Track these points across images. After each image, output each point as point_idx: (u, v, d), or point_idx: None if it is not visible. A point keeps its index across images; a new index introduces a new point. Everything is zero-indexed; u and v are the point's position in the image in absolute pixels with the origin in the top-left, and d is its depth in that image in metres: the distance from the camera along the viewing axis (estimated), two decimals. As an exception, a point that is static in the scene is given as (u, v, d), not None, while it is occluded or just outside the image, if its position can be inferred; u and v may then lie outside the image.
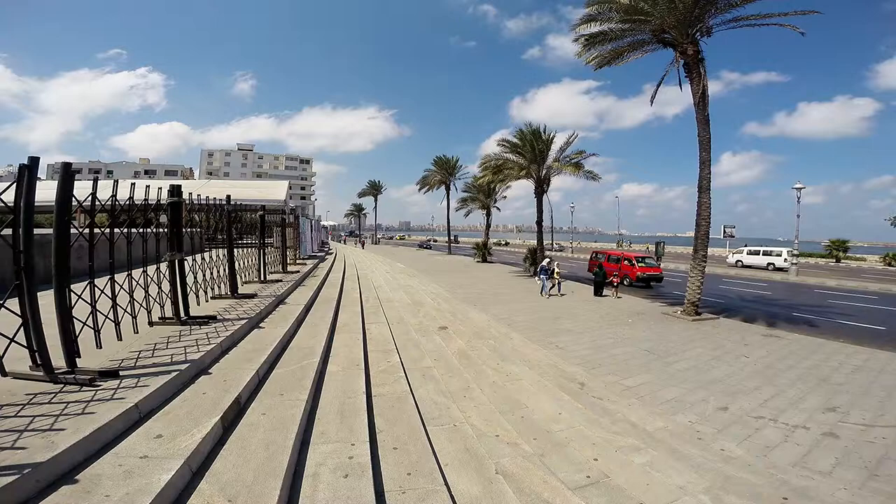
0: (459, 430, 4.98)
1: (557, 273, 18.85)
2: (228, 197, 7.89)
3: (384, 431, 4.35)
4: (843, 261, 47.33)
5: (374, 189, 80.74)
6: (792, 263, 31.19)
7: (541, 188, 25.98)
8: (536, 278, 18.91)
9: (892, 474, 4.99)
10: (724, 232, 62.34)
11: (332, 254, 29.26)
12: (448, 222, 51.81)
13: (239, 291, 7.87)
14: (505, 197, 40.90)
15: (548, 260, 19.33)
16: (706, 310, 15.80)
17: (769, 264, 35.22)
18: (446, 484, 3.60)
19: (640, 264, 24.25)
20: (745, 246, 41.58)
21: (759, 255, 37.28)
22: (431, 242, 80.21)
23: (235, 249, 8.11)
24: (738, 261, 39.23)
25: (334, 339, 7.32)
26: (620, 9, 14.87)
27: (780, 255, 35.36)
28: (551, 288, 18.59)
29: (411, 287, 18.42)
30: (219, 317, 5.98)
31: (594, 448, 5.17)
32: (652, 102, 16.49)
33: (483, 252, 38.93)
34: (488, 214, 41.77)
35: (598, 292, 19.09)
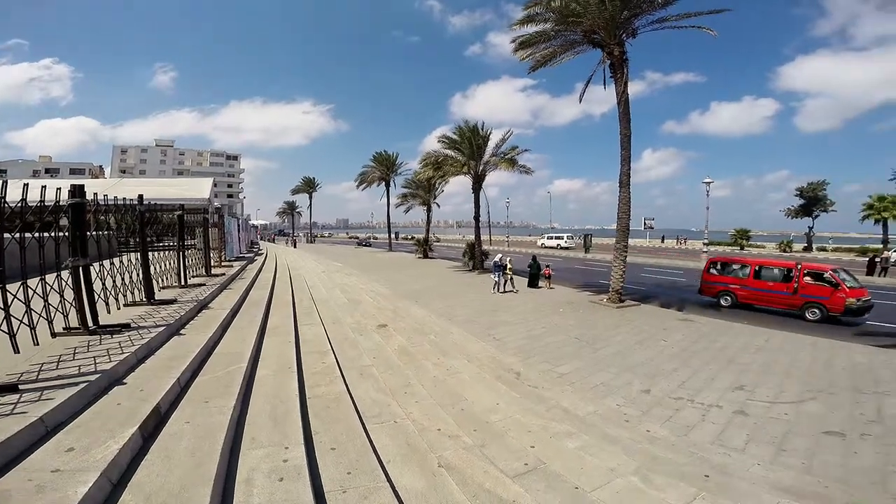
0: (400, 427, 4.98)
1: (510, 269, 18.88)
2: (141, 196, 7.30)
3: (321, 433, 4.26)
4: (745, 248, 53.14)
5: (309, 186, 77.99)
6: (703, 251, 35.26)
7: (478, 184, 26.45)
8: (492, 275, 18.65)
9: (798, 448, 5.47)
10: (645, 224, 67.30)
11: (262, 254, 28.02)
12: (388, 219, 51.26)
13: (156, 297, 7.32)
14: (442, 191, 41.00)
15: (500, 256, 19.29)
16: (629, 297, 16.85)
17: (557, 245, 48.48)
18: (389, 480, 3.60)
19: (847, 283, 14.16)
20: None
21: (552, 239, 54.47)
22: (371, 240, 78.99)
23: (152, 252, 7.54)
24: (542, 244, 54.39)
25: (264, 343, 7.05)
26: (555, 10, 15.50)
27: (562, 238, 54.40)
28: (504, 283, 18.62)
29: (348, 286, 18.08)
30: (133, 325, 5.54)
31: (530, 436, 5.33)
32: (580, 100, 17.17)
33: (424, 248, 38.97)
34: (429, 210, 41.74)
35: (532, 284, 19.76)
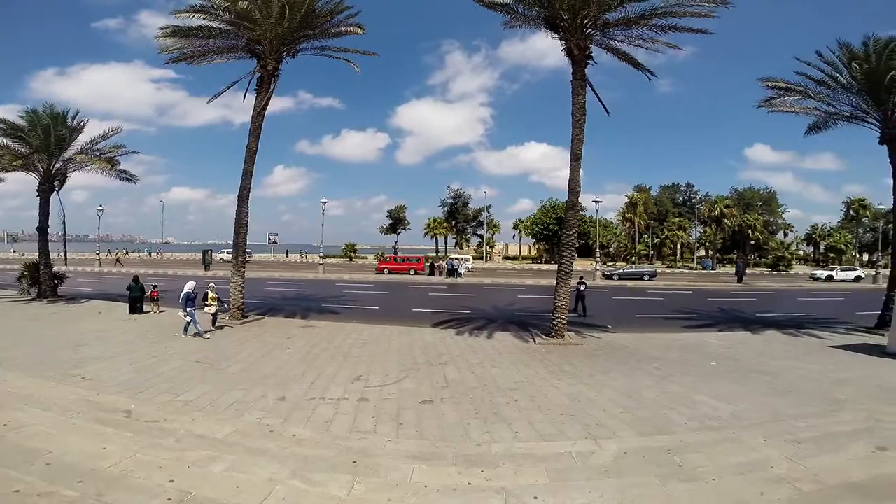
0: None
1: (213, 298, 13.69)
2: None
3: None
4: (354, 259, 64.71)
5: None
6: (319, 264, 40.77)
7: (50, 185, 19.75)
8: (181, 312, 12.66)
9: (409, 420, 6.63)
10: (269, 239, 69.13)
11: None
12: None
13: None
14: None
15: (192, 284, 13.21)
16: (254, 311, 16.62)
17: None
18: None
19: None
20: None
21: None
22: None
23: None
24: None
25: None
26: (233, 10, 14.20)
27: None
28: (214, 321, 13.61)
29: None
30: None
31: (164, 470, 4.65)
32: (209, 101, 16.67)
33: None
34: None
35: (134, 309, 16.39)
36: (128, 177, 21.24)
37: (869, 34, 15.04)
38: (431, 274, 39.19)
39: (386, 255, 47.83)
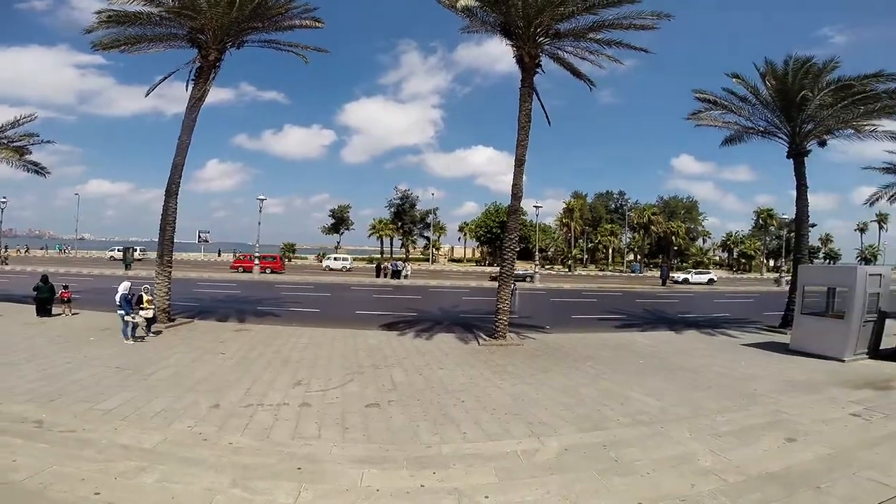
0: None
1: (149, 301, 12.50)
2: None
3: None
4: (293, 259, 61.55)
5: None
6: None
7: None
8: (121, 312, 11.74)
9: (355, 424, 6.49)
10: (200, 237, 64.79)
11: None
12: None
13: None
14: None
15: (127, 284, 12.20)
16: (181, 314, 15.56)
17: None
18: None
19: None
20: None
21: None
22: None
23: None
24: None
25: None
26: None
27: None
28: (141, 328, 12.27)
29: None
30: None
31: (88, 483, 4.31)
32: (147, 94, 15.72)
33: None
34: None
35: (42, 312, 14.83)
36: (37, 168, 19.16)
37: (790, 54, 16.68)
38: (377, 276, 39.46)
39: (241, 255, 48.50)
